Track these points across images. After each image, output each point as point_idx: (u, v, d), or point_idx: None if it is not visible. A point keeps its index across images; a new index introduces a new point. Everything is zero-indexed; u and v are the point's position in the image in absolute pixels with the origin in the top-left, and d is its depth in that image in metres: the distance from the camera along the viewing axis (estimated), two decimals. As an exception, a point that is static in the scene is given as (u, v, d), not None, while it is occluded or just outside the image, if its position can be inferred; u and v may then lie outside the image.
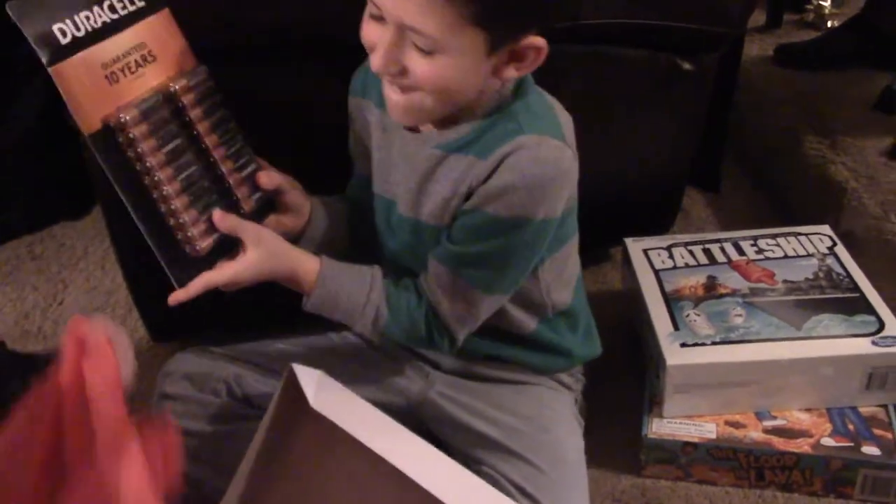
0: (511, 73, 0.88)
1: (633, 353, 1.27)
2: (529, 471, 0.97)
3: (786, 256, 1.28)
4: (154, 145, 0.86)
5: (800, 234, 1.33)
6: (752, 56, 1.85)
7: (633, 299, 1.29)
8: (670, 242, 1.34)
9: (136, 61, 0.87)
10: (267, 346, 1.11)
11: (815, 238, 1.31)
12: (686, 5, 1.20)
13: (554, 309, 1.05)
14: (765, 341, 1.14)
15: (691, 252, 1.31)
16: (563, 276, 1.04)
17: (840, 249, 1.29)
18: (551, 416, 1.05)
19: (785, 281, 1.23)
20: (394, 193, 0.98)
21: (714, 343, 1.14)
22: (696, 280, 1.25)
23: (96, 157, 0.84)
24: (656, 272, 1.28)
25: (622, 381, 1.23)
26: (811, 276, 1.24)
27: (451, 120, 0.93)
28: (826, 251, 1.29)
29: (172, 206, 0.87)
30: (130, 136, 0.85)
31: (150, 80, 0.88)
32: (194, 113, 0.91)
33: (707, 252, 1.31)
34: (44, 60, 0.80)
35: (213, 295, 1.22)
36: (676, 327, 1.17)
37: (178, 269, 0.90)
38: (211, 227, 0.91)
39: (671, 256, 1.31)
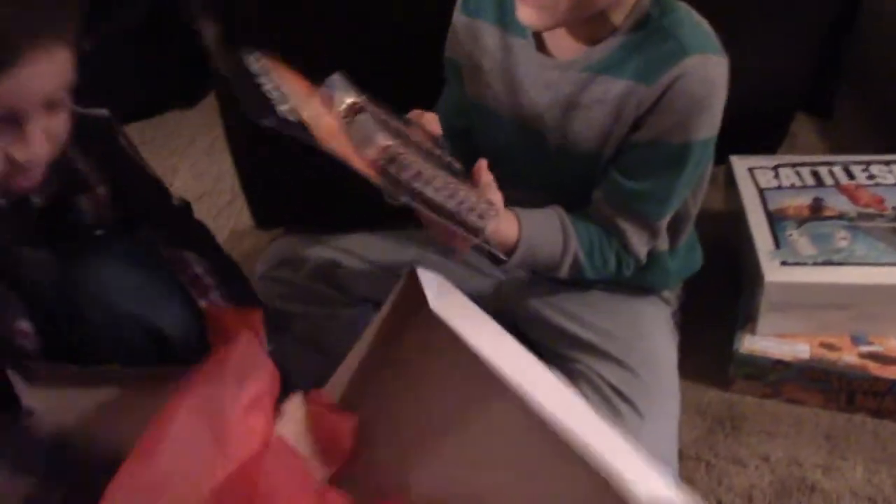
0: None
1: (731, 271, 1.26)
2: (624, 374, 0.98)
3: (894, 183, 1.24)
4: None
5: (912, 162, 1.28)
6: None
7: (735, 218, 1.27)
8: (777, 162, 1.31)
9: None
10: (362, 237, 1.13)
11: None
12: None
13: (685, 232, 1.05)
14: (868, 265, 1.11)
15: (798, 173, 1.28)
16: (698, 196, 1.03)
17: (956, 179, 1.24)
18: (648, 325, 1.05)
19: (895, 208, 1.20)
20: (528, 117, 0.97)
21: (815, 264, 1.12)
22: (801, 201, 1.23)
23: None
24: (761, 191, 1.26)
25: (719, 297, 1.23)
26: (921, 205, 1.20)
27: (592, 36, 0.91)
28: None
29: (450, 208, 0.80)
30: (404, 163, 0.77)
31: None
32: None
33: (815, 174, 1.28)
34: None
35: (318, 187, 1.27)
36: (778, 246, 1.15)
37: None
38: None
39: (777, 176, 1.28)
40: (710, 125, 0.91)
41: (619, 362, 0.99)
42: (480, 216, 0.80)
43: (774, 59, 1.34)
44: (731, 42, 1.26)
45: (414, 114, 0.87)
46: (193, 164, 1.66)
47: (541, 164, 0.99)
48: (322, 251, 1.12)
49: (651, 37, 0.89)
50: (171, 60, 1.68)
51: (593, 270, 0.98)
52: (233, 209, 1.52)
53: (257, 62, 0.75)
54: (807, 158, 1.32)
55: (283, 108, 0.70)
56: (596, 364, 1.00)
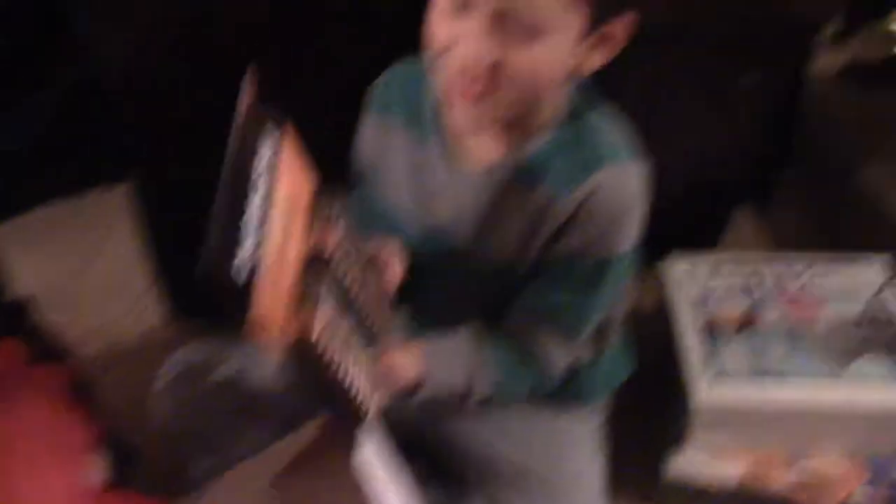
0: (595, 61, 0.80)
1: (660, 377, 1.20)
2: None
3: (837, 289, 1.20)
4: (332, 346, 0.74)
5: (854, 262, 1.24)
6: (821, 68, 1.75)
7: (666, 320, 1.22)
8: (713, 262, 1.26)
9: (287, 224, 0.70)
10: None
11: (870, 269, 1.23)
12: (763, 7, 1.12)
13: (609, 339, 0.99)
14: (805, 380, 1.07)
15: (734, 275, 1.24)
16: (622, 303, 0.99)
17: (897, 285, 1.21)
18: (570, 447, 0.98)
19: (833, 315, 1.15)
20: (438, 227, 0.91)
21: (749, 378, 1.07)
22: (736, 307, 1.18)
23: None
24: (694, 294, 1.21)
25: (650, 401, 1.17)
26: (862, 312, 1.16)
27: (516, 138, 0.86)
28: (881, 285, 1.20)
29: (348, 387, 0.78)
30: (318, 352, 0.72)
31: (298, 232, 0.72)
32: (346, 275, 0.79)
33: (751, 276, 1.23)
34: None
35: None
36: (710, 357, 1.10)
37: None
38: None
39: (713, 277, 1.24)
40: (629, 238, 0.86)
41: (540, 492, 0.93)
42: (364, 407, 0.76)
43: (715, 146, 1.31)
44: (671, 134, 1.24)
45: (381, 251, 0.86)
46: (115, 247, 1.59)
47: (454, 276, 0.93)
48: (228, 355, 1.05)
49: (570, 142, 0.84)
50: (99, 134, 1.62)
51: (509, 395, 0.93)
52: (150, 297, 1.44)
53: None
54: (743, 257, 1.28)
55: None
56: (515, 496, 0.93)
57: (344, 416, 0.77)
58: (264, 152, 0.68)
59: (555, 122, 0.85)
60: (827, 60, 1.72)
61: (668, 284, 1.23)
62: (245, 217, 0.63)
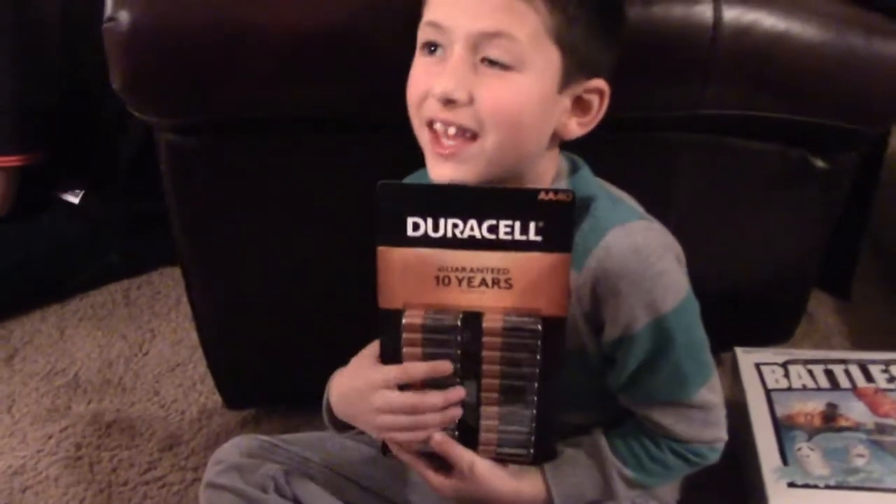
0: (574, 128, 0.80)
1: (731, 480, 1.12)
2: None
3: (921, 388, 1.12)
4: (418, 355, 0.79)
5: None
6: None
7: (737, 418, 1.15)
8: (787, 358, 1.19)
9: (484, 279, 0.75)
10: (320, 441, 1.03)
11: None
12: (822, 99, 1.08)
13: None
14: (889, 491, 0.98)
15: (811, 372, 1.17)
16: None
17: None
18: None
19: (919, 419, 1.07)
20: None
21: (828, 486, 0.99)
22: (813, 406, 1.11)
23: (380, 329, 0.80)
24: (768, 391, 1.14)
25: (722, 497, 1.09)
26: (953, 416, 1.07)
27: None
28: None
29: None
30: (405, 337, 0.78)
31: (487, 300, 0.76)
32: (489, 355, 0.79)
33: (829, 374, 1.16)
34: (378, 238, 0.74)
35: (292, 369, 1.18)
36: (785, 462, 1.03)
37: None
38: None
39: (787, 375, 1.17)
40: (673, 290, 0.81)
41: None
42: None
43: (783, 242, 1.25)
44: (731, 224, 1.19)
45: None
46: (175, 328, 1.58)
47: None
48: (275, 457, 1.02)
49: None
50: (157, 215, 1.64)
51: (655, 478, 0.87)
52: (207, 384, 1.43)
53: None
54: (820, 354, 1.21)
55: None
56: None
57: None
58: (524, 229, 0.74)
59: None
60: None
61: (741, 376, 1.17)
62: (457, 219, 0.74)
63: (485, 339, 0.77)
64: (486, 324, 0.77)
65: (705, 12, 1.00)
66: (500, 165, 0.78)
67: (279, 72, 0.94)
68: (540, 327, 0.76)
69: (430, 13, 0.78)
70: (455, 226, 0.73)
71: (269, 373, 1.26)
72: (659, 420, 0.85)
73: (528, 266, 0.74)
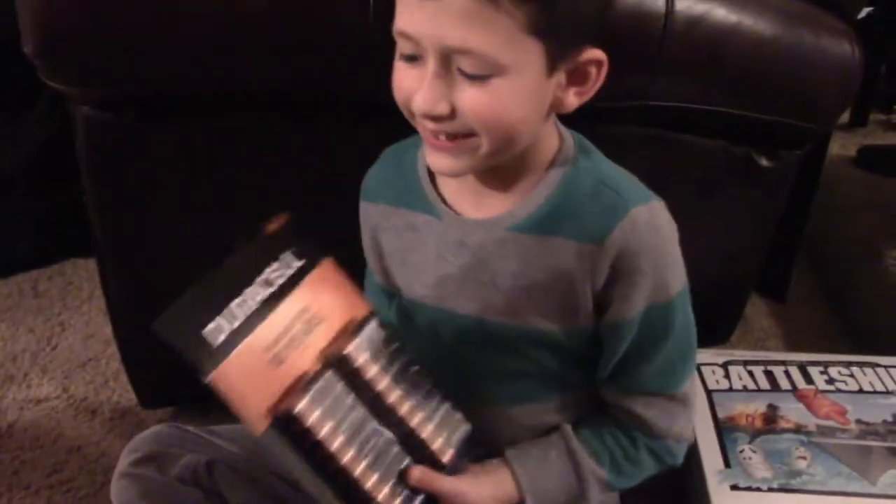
0: (572, 100, 0.75)
1: (673, 482, 1.09)
2: None
3: (861, 391, 1.11)
4: (331, 428, 0.74)
5: (879, 365, 1.16)
6: (833, 155, 1.70)
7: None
8: (727, 359, 1.17)
9: (300, 331, 0.73)
10: (244, 433, 0.96)
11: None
12: (772, 94, 1.06)
13: None
14: (831, 494, 0.96)
15: (751, 373, 1.15)
16: None
17: (928, 389, 1.11)
18: None
19: (859, 421, 1.06)
20: (444, 296, 0.83)
21: (771, 489, 0.97)
22: (754, 407, 1.09)
23: (275, 451, 0.73)
24: (709, 392, 1.12)
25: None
26: (891, 419, 1.06)
27: (510, 184, 0.79)
28: (906, 389, 1.12)
29: (366, 488, 0.75)
30: (305, 427, 0.72)
31: (318, 344, 0.74)
32: (371, 372, 0.77)
33: (769, 375, 1.14)
34: (200, 375, 0.68)
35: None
36: (728, 464, 1.00)
37: None
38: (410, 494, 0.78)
39: (727, 375, 1.15)
40: (680, 275, 0.79)
41: None
42: None
43: (725, 241, 1.23)
44: (684, 222, 1.16)
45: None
46: (88, 322, 1.49)
47: (506, 367, 0.83)
48: (197, 447, 0.95)
49: (582, 188, 0.78)
50: (67, 202, 1.55)
51: (629, 479, 0.84)
52: (120, 381, 1.34)
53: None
54: (760, 355, 1.19)
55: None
56: None
57: None
58: (286, 264, 0.73)
59: (559, 163, 0.79)
60: (839, 148, 1.67)
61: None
62: (238, 299, 0.70)
63: (358, 360, 0.76)
64: (347, 350, 0.75)
65: (657, 1, 0.98)
66: (497, 157, 0.74)
67: (211, 42, 0.87)
68: (378, 324, 0.77)
69: (399, 18, 0.72)
70: (241, 304, 0.70)
71: (188, 370, 1.19)
72: (641, 412, 0.82)
73: (315, 290, 0.74)
